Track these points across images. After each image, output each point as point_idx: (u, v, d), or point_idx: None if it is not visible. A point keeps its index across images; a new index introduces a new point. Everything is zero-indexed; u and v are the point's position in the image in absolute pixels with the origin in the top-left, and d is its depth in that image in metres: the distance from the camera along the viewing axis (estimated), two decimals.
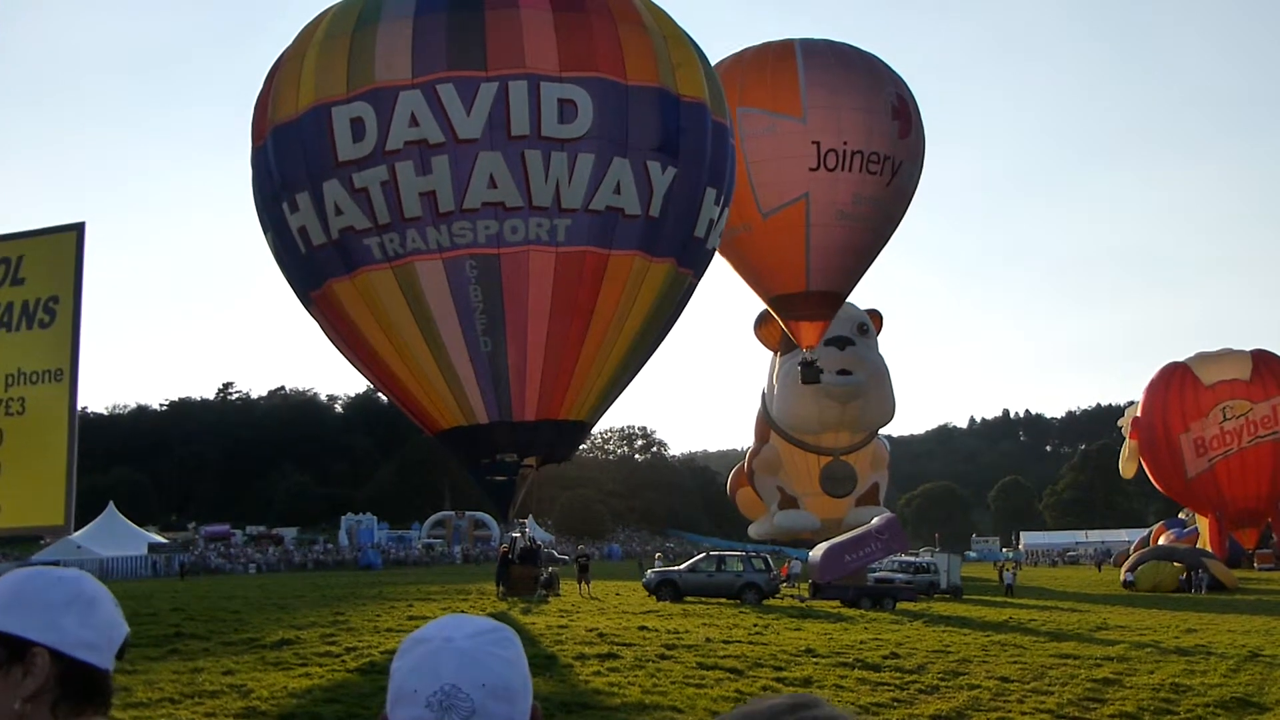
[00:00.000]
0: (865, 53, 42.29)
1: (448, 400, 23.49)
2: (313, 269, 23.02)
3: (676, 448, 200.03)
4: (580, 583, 35.37)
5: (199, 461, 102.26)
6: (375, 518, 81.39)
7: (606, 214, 21.92)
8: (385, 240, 21.67)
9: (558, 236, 21.65)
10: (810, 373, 46.96)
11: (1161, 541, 60.97)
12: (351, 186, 21.56)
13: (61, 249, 5.09)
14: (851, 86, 40.13)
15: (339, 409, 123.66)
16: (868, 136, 40.15)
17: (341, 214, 21.79)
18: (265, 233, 24.39)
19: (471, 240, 21.45)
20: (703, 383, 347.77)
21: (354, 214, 21.68)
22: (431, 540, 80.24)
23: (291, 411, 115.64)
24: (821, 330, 47.35)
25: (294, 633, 19.02)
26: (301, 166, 22.24)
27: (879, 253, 46.46)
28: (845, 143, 40.20)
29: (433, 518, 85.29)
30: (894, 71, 41.68)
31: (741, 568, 32.78)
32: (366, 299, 22.51)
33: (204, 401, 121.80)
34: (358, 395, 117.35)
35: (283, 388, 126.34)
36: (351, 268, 22.25)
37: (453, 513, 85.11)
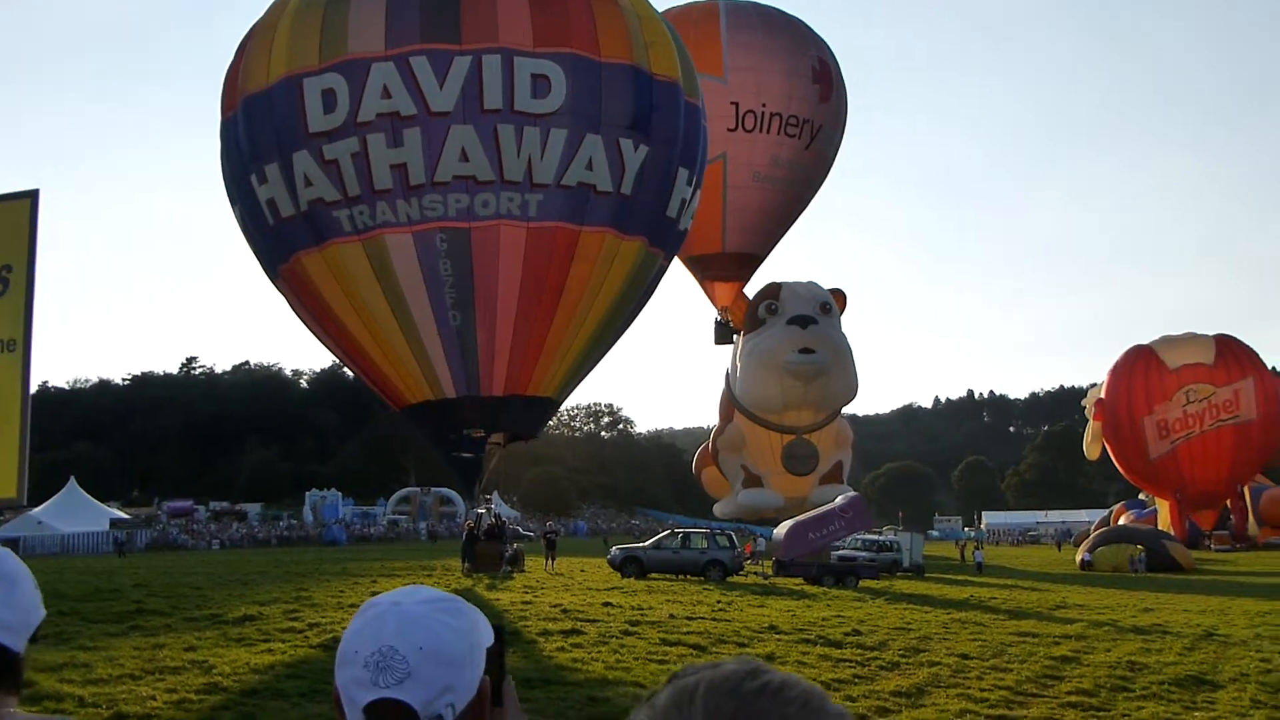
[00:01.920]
0: (790, 16, 42.41)
1: (415, 375, 23.39)
2: (281, 241, 22.82)
3: (643, 425, 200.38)
4: (547, 559, 35.40)
5: (162, 436, 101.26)
6: (340, 494, 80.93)
7: (578, 190, 21.85)
8: (355, 213, 21.51)
9: (529, 211, 21.57)
10: (723, 333, 47.12)
11: (1122, 522, 61.67)
12: (322, 158, 21.37)
13: (14, 217, 4.97)
14: (773, 49, 40.21)
15: (304, 384, 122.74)
16: (787, 99, 40.24)
17: (311, 185, 21.60)
18: (233, 205, 24.15)
19: (442, 213, 21.33)
20: (670, 361, 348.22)
21: (324, 186, 21.50)
22: (397, 516, 79.96)
23: (256, 387, 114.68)
24: (737, 291, 47.64)
25: (257, 608, 18.90)
26: (271, 137, 22.01)
27: (797, 217, 46.72)
28: (764, 104, 40.27)
29: (398, 494, 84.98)
30: (817, 35, 41.76)
31: (706, 545, 32.87)
32: (335, 272, 22.34)
33: (167, 376, 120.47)
34: (323, 370, 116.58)
35: (247, 363, 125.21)
36: (320, 240, 22.07)
37: (418, 489, 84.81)
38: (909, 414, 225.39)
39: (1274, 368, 71.40)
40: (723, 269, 43.33)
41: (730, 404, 54.41)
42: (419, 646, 1.44)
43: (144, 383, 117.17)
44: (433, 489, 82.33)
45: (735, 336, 49.26)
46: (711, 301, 48.17)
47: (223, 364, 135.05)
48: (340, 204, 21.52)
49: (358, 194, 21.33)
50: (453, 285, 21.89)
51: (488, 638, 1.58)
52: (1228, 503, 63.80)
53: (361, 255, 21.82)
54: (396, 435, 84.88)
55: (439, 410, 24.00)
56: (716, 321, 48.65)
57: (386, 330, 22.79)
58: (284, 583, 26.15)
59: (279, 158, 21.76)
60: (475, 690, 1.49)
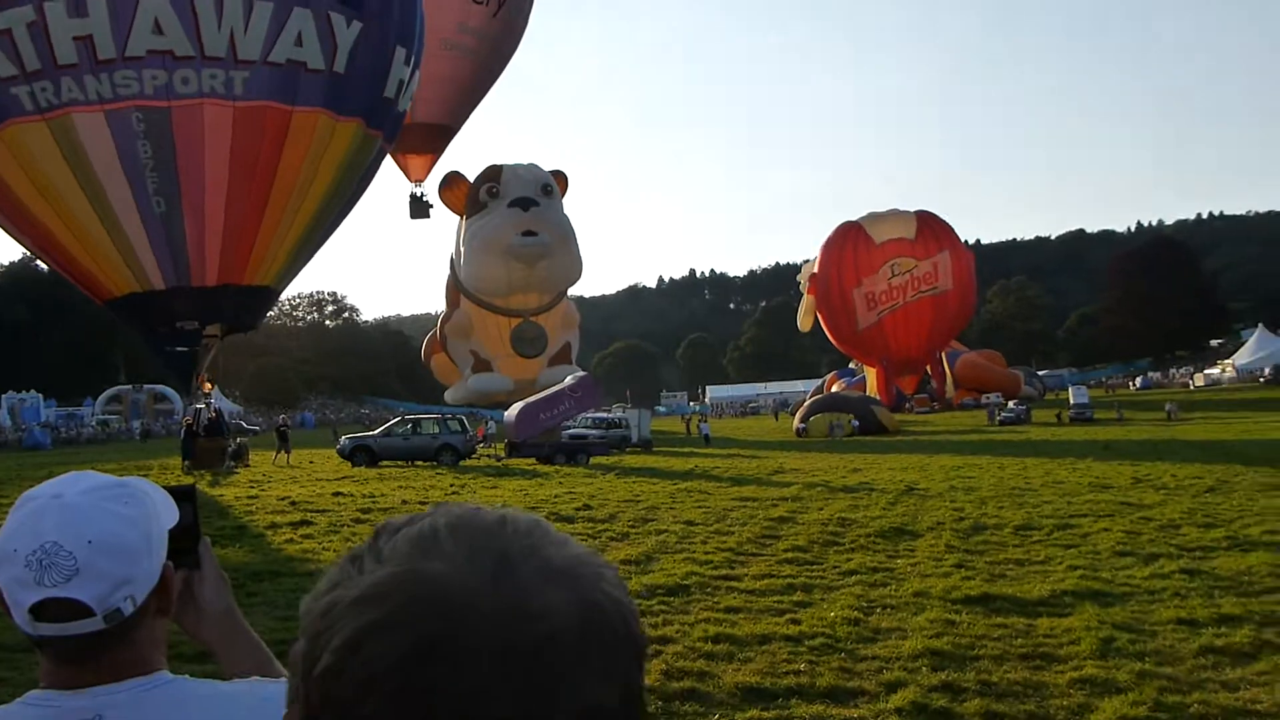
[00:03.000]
0: None
1: (118, 265, 21.89)
2: None
3: (369, 313, 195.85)
4: (278, 451, 34.43)
5: None
6: (41, 395, 75.55)
7: (287, 67, 20.69)
8: (36, 89, 19.60)
9: (234, 89, 20.27)
10: (418, 207, 46.73)
11: (835, 390, 65.48)
12: None
13: None
14: None
15: None
16: None
17: None
18: None
19: (138, 91, 19.74)
20: (394, 246, 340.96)
21: None
22: (107, 416, 75.52)
23: None
24: (430, 163, 47.24)
25: None
26: None
27: (489, 88, 46.47)
28: None
29: (107, 392, 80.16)
30: None
31: (437, 430, 32.80)
32: (17, 155, 20.38)
33: None
34: (13, 264, 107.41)
35: None
36: None
37: (129, 386, 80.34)
38: (634, 294, 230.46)
39: (976, 240, 76.76)
40: (415, 141, 42.38)
41: (456, 289, 53.97)
42: (87, 540, 1.34)
43: None
44: (146, 386, 78.15)
45: (429, 210, 48.44)
46: (405, 175, 47.28)
47: None
48: (18, 80, 19.53)
49: (38, 69, 19.41)
50: (154, 169, 20.42)
51: (170, 519, 1.49)
52: (928, 368, 68.83)
53: (47, 136, 19.96)
54: (102, 330, 79.82)
55: (147, 303, 22.62)
56: (412, 195, 47.80)
57: (82, 218, 21.12)
58: None
59: None
60: (157, 578, 1.41)
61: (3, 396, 74.05)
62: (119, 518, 1.38)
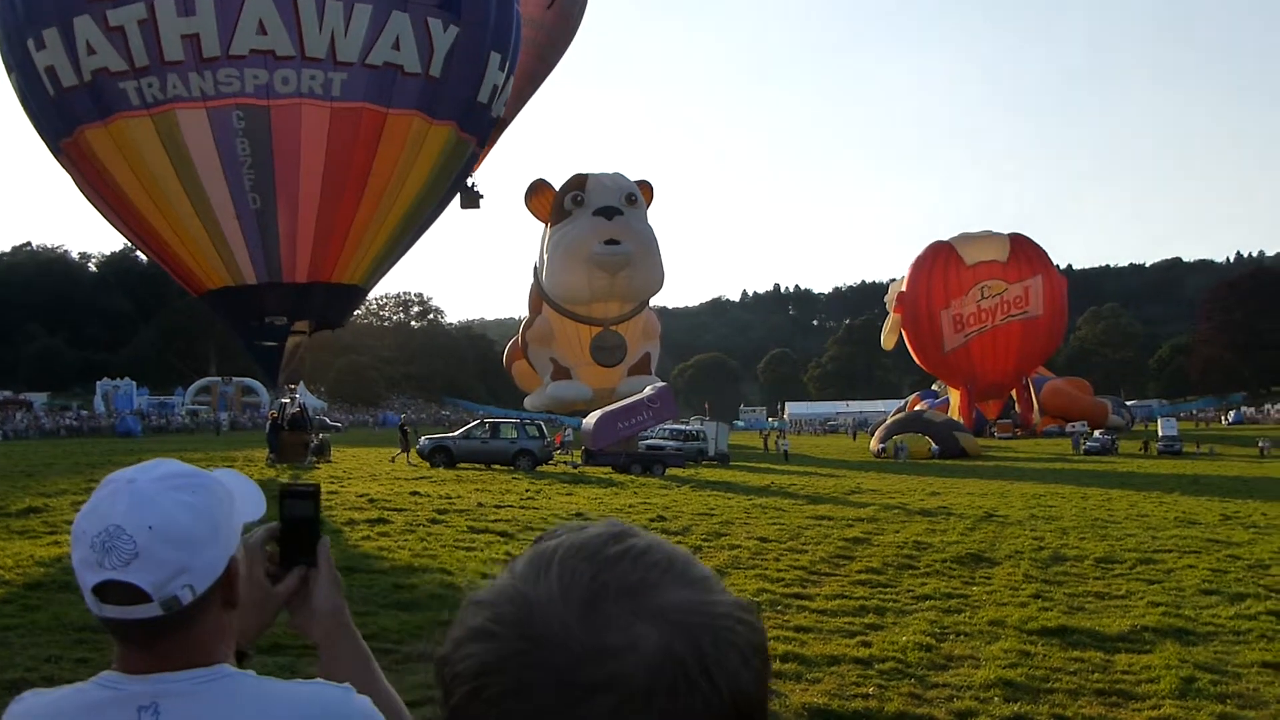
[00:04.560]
0: None
1: (213, 259, 22.42)
2: (63, 113, 21.28)
3: (454, 315, 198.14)
4: (401, 451, 34.37)
5: None
6: (134, 383, 77.48)
7: (384, 70, 21.03)
8: (143, 85, 20.17)
9: (332, 90, 20.66)
10: (469, 198, 46.43)
11: (918, 409, 64.59)
12: (105, 24, 19.91)
13: None
14: None
15: (93, 267, 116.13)
16: None
17: (94, 54, 20.14)
18: (9, 72, 22.37)
19: (239, 89, 20.21)
20: (482, 250, 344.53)
21: (108, 54, 20.07)
22: (196, 407, 77.32)
23: (39, 269, 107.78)
24: (483, 156, 47.20)
25: (43, 500, 18.09)
26: None
27: (544, 78, 46.37)
28: None
29: (197, 383, 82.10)
30: None
31: (515, 434, 32.97)
32: (123, 148, 20.99)
33: None
34: (114, 254, 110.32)
35: (29, 244, 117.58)
36: (106, 113, 20.69)
37: (219, 378, 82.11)
38: (717, 306, 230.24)
39: (1068, 265, 75.49)
40: None
41: (539, 297, 54.30)
42: (148, 526, 1.36)
43: None
44: (234, 378, 79.83)
45: (480, 201, 48.22)
46: None
47: (1, 245, 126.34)
48: (127, 75, 20.13)
49: (146, 65, 19.99)
50: (251, 166, 20.89)
51: (251, 514, 1.51)
52: (1013, 393, 67.65)
53: (151, 131, 20.54)
54: (195, 322, 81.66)
55: (239, 297, 23.13)
56: (462, 185, 48.08)
57: (181, 212, 21.67)
58: (73, 474, 25.06)
59: (58, 21, 20.15)
60: (222, 570, 1.43)
61: (98, 383, 76.13)
62: (184, 506, 1.40)
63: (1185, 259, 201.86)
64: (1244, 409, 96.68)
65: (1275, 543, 15.81)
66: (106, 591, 1.37)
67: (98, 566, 1.36)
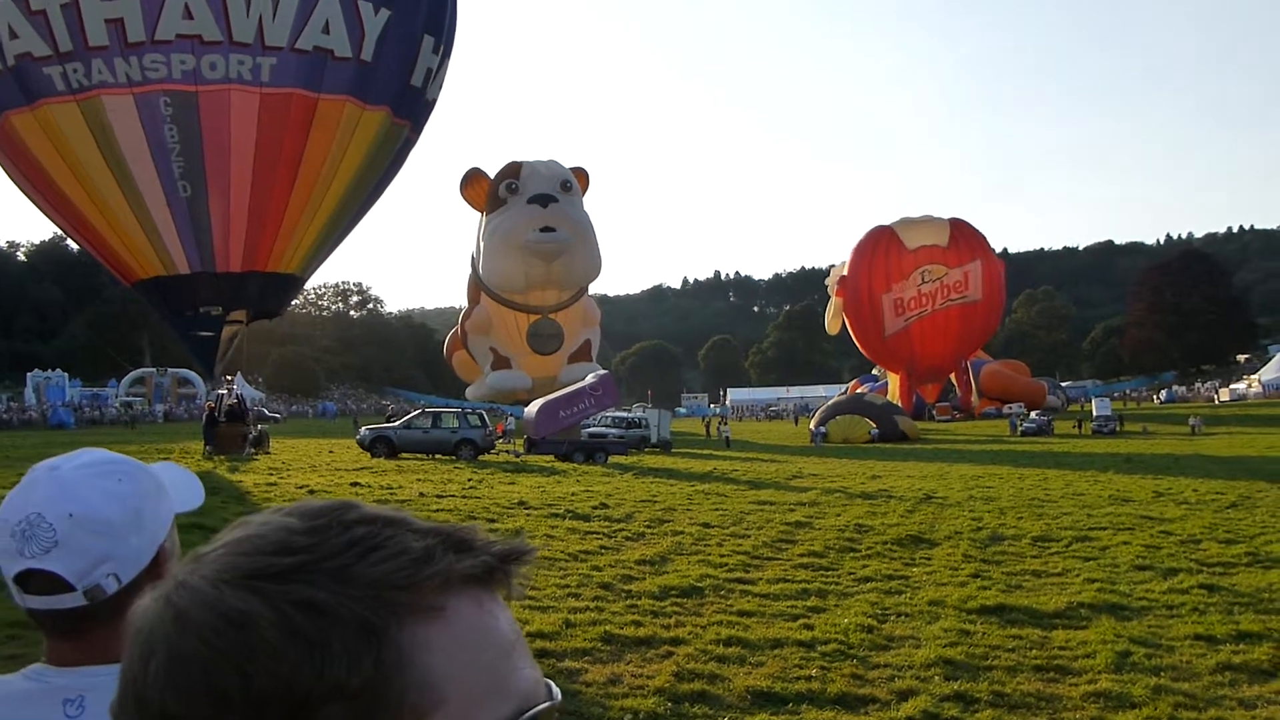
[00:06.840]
0: None
1: (145, 248, 21.99)
2: None
3: (393, 305, 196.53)
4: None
5: None
6: (66, 374, 75.95)
7: (314, 54, 20.70)
8: (68, 70, 19.72)
9: (261, 76, 20.31)
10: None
11: (859, 393, 65.16)
12: (27, 7, 19.43)
13: None
14: None
15: (22, 256, 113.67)
16: None
17: (17, 38, 19.67)
18: None
19: (166, 75, 19.81)
20: (421, 239, 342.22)
21: (31, 39, 19.60)
22: (131, 398, 75.97)
23: None
24: None
25: None
26: None
27: None
28: None
29: (132, 374, 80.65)
30: None
31: (457, 424, 32.75)
32: (50, 135, 20.51)
33: None
34: (44, 242, 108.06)
35: None
36: (32, 99, 20.20)
37: (154, 369, 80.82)
38: (658, 294, 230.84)
39: (1003, 249, 76.46)
40: None
41: (477, 286, 54.01)
42: (68, 513, 1.34)
43: None
44: (170, 369, 78.60)
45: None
46: None
47: None
48: (51, 60, 19.66)
49: (70, 50, 19.52)
50: (180, 154, 20.49)
51: (185, 504, 1.49)
52: (952, 376, 68.42)
53: (78, 117, 20.08)
54: (129, 312, 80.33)
55: (172, 286, 22.72)
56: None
57: (111, 200, 21.22)
58: (3, 468, 24.51)
59: None
60: (149, 559, 1.39)
61: (29, 375, 74.54)
62: (106, 493, 1.37)
63: (1117, 241, 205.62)
64: (1175, 388, 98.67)
65: (1206, 518, 16.12)
66: (28, 581, 1.34)
67: (18, 555, 1.34)
